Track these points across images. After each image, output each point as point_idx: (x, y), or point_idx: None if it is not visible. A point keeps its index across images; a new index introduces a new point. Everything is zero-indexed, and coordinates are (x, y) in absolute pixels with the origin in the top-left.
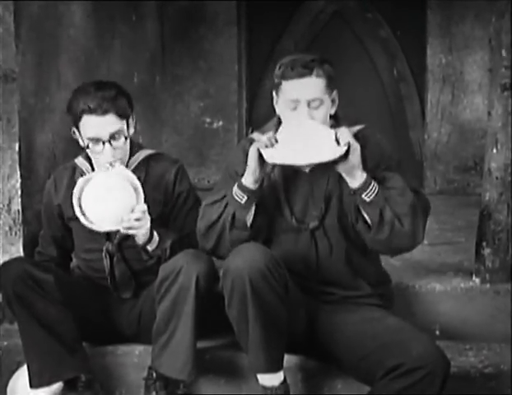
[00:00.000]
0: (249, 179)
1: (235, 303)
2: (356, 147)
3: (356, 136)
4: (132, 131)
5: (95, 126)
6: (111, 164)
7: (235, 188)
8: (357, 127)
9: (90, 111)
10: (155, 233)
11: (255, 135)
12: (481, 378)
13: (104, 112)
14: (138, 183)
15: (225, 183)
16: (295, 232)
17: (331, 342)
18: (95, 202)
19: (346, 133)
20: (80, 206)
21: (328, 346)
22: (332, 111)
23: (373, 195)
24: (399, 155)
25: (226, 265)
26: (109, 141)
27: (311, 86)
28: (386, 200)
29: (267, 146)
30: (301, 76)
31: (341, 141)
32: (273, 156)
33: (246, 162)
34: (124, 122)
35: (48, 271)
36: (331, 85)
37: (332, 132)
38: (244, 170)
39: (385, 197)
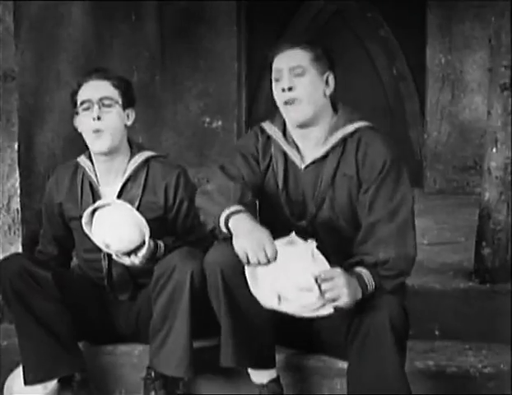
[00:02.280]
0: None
1: (212, 296)
2: (343, 301)
3: (352, 135)
4: (129, 122)
5: (89, 89)
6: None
7: (223, 227)
8: (356, 125)
9: (87, 78)
10: (160, 244)
11: (266, 124)
12: (480, 378)
13: (101, 77)
14: (147, 229)
15: (234, 163)
16: (287, 227)
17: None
18: (102, 226)
19: (332, 290)
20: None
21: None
22: (327, 92)
23: (371, 291)
24: (399, 155)
25: (205, 260)
26: (98, 105)
27: (294, 56)
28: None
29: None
30: (286, 48)
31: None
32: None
33: (259, 148)
34: (118, 95)
35: (47, 268)
36: (320, 63)
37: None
38: (258, 154)
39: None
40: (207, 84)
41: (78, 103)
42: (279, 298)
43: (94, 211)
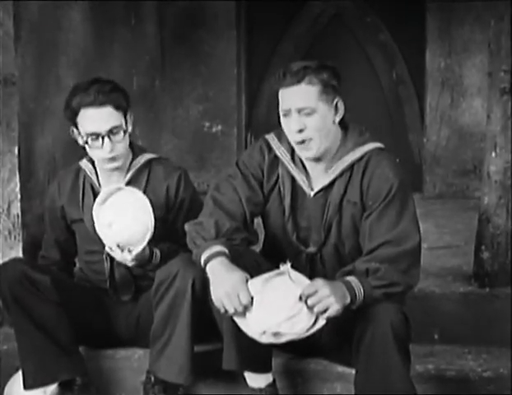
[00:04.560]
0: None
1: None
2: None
3: (360, 159)
4: (130, 128)
5: (94, 119)
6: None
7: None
8: (364, 148)
9: (88, 104)
10: (156, 252)
11: (273, 142)
12: (480, 382)
13: (101, 104)
14: (151, 229)
15: (236, 179)
16: (294, 252)
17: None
18: (114, 206)
19: (319, 304)
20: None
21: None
22: (337, 119)
23: (360, 301)
24: (406, 180)
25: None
26: (108, 136)
27: (301, 94)
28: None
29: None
30: (291, 84)
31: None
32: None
33: (264, 169)
34: (122, 116)
35: (46, 272)
36: (328, 92)
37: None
38: (262, 176)
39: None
40: (207, 88)
41: (83, 131)
42: (274, 335)
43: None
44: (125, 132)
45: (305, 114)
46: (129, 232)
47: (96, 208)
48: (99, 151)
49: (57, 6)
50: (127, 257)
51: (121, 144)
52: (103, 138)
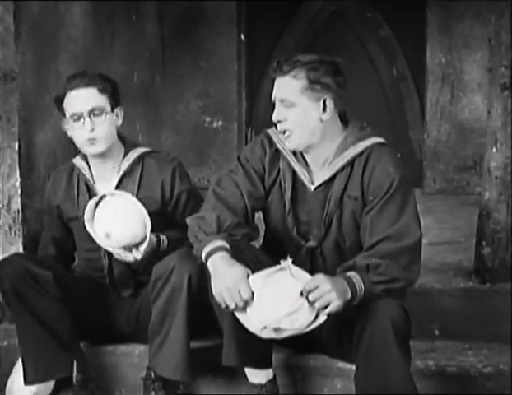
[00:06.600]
0: None
1: (213, 298)
2: (334, 307)
3: (361, 154)
4: (119, 122)
5: (77, 100)
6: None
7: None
8: (365, 143)
9: (73, 87)
10: (163, 238)
11: (274, 135)
12: (480, 378)
13: (86, 85)
14: (149, 223)
15: (237, 174)
16: (295, 246)
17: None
18: (106, 215)
19: (321, 299)
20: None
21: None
22: (324, 117)
23: (361, 297)
24: (407, 175)
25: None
26: (89, 116)
27: (284, 86)
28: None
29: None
30: (279, 74)
31: (317, 306)
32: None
33: (265, 163)
34: (106, 99)
35: (47, 267)
36: (315, 89)
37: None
38: (263, 170)
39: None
40: (208, 84)
41: (67, 114)
42: (275, 330)
43: (97, 204)
44: (107, 114)
45: (285, 106)
46: (129, 233)
47: (89, 225)
48: (80, 132)
49: (57, 2)
50: (137, 256)
51: (102, 126)
52: (84, 118)
